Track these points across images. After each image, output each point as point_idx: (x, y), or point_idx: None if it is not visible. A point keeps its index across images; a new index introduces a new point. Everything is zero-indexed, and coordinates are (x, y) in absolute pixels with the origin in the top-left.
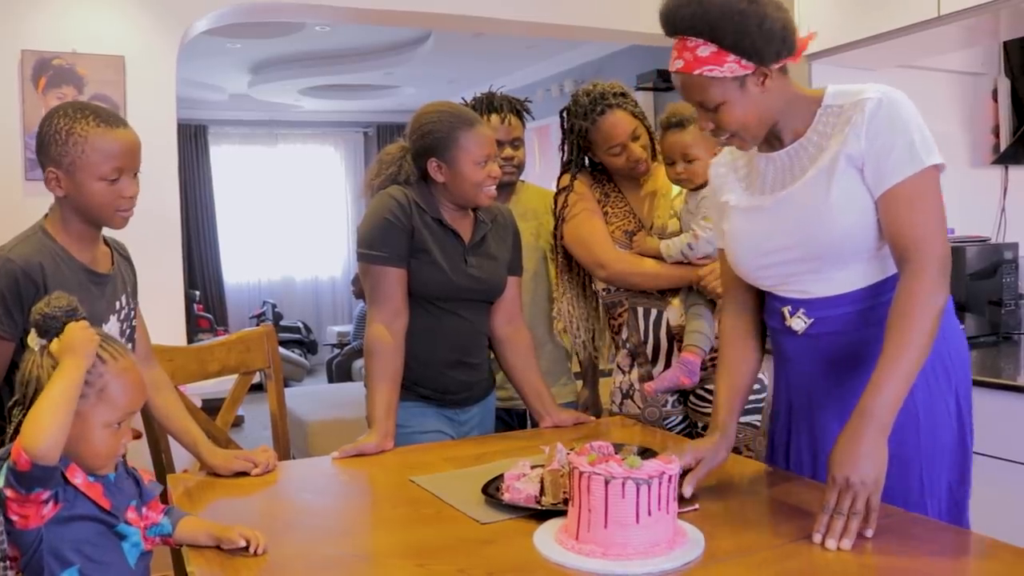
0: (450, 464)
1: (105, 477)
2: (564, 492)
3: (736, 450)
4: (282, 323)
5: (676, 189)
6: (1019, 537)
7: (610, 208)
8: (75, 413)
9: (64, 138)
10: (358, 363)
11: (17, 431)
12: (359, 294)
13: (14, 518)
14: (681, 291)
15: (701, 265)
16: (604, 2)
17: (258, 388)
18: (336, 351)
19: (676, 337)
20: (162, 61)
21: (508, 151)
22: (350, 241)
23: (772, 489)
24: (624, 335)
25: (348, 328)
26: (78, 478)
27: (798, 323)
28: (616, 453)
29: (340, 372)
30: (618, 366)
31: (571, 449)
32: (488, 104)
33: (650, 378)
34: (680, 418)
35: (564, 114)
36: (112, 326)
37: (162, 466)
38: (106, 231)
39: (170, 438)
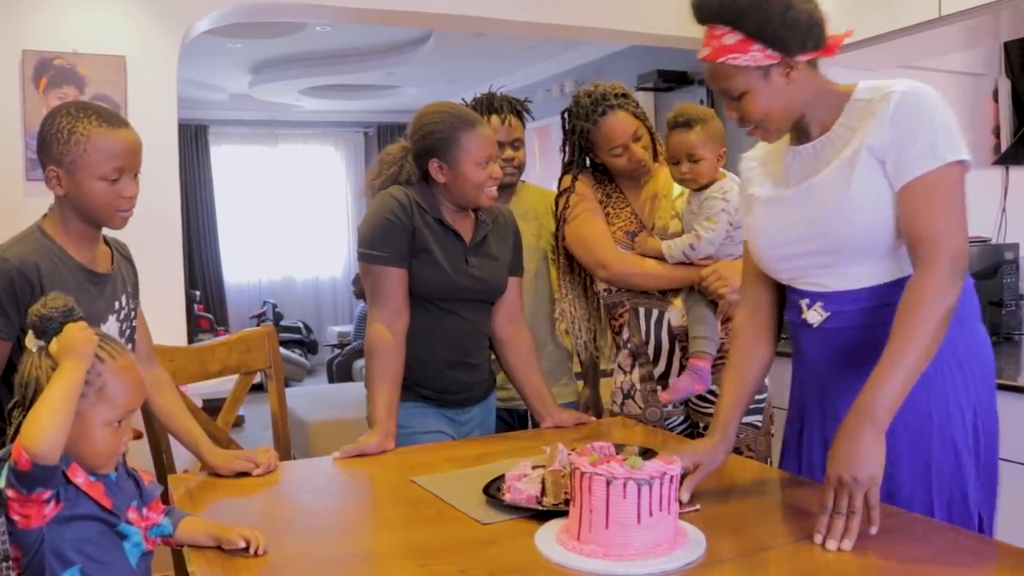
0: (451, 464)
1: (106, 477)
2: (565, 492)
3: (737, 450)
4: (282, 323)
5: (677, 190)
6: (1017, 535)
7: (611, 209)
8: (75, 413)
9: (66, 137)
10: (359, 363)
11: (17, 432)
12: (360, 294)
13: (16, 518)
14: (683, 291)
15: (703, 266)
16: (604, 2)
17: (259, 388)
18: (337, 351)
19: (678, 337)
20: (163, 61)
21: (508, 152)
22: (350, 241)
23: (773, 490)
24: (625, 335)
25: (349, 328)
26: (79, 477)
27: (814, 316)
28: (617, 454)
29: (341, 372)
30: (619, 366)
31: (572, 449)
32: (488, 105)
33: (651, 378)
34: (681, 418)
35: (565, 115)
36: (111, 326)
37: (163, 466)
38: (107, 231)
39: (171, 438)
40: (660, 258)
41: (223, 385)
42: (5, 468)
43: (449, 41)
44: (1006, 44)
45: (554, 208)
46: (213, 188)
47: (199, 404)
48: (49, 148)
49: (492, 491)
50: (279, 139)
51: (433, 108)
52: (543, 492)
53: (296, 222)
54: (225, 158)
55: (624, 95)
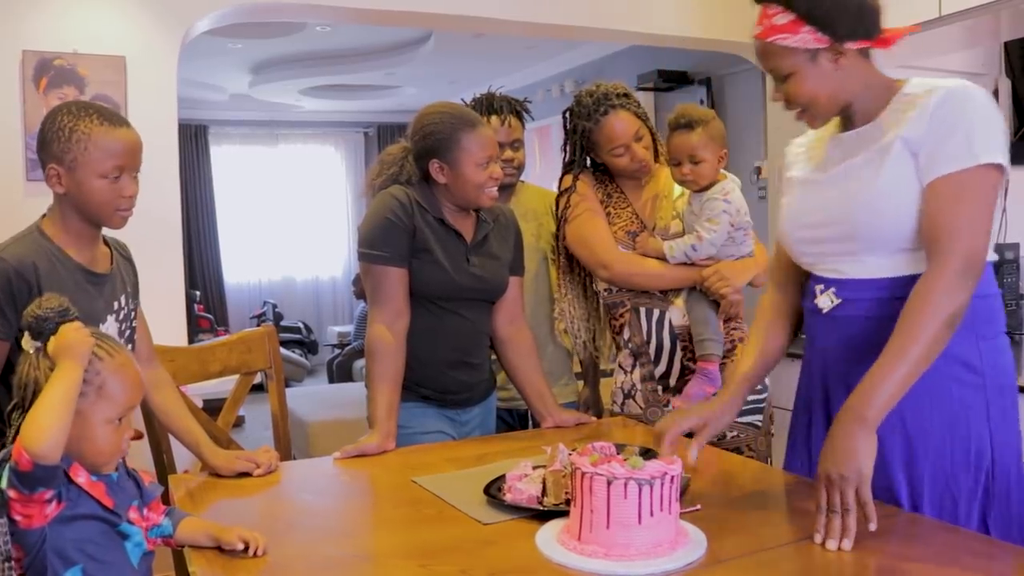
0: (452, 464)
1: (108, 477)
2: (566, 493)
3: (737, 450)
4: (283, 323)
5: (678, 190)
6: None
7: (612, 209)
8: (77, 412)
9: (67, 135)
10: (359, 363)
11: (18, 434)
12: (360, 294)
13: (17, 518)
14: (684, 291)
15: (704, 266)
16: (604, 2)
17: (259, 388)
18: (337, 351)
19: (679, 337)
20: (163, 61)
21: (508, 153)
22: (351, 241)
23: (774, 490)
24: (626, 335)
25: (349, 328)
26: (81, 477)
27: (825, 301)
28: (618, 454)
29: (341, 372)
30: (620, 366)
31: (573, 449)
32: (488, 105)
33: (652, 378)
34: None
35: (567, 115)
36: (110, 326)
37: (163, 466)
38: (107, 231)
39: (172, 439)
40: (661, 258)
41: (223, 385)
42: (6, 469)
43: (449, 41)
44: (1006, 44)
45: (554, 208)
46: (213, 188)
47: (199, 404)
48: (50, 146)
49: (493, 491)
50: (279, 139)
51: (433, 108)
52: (544, 492)
53: (296, 222)
54: (225, 158)
55: (626, 95)
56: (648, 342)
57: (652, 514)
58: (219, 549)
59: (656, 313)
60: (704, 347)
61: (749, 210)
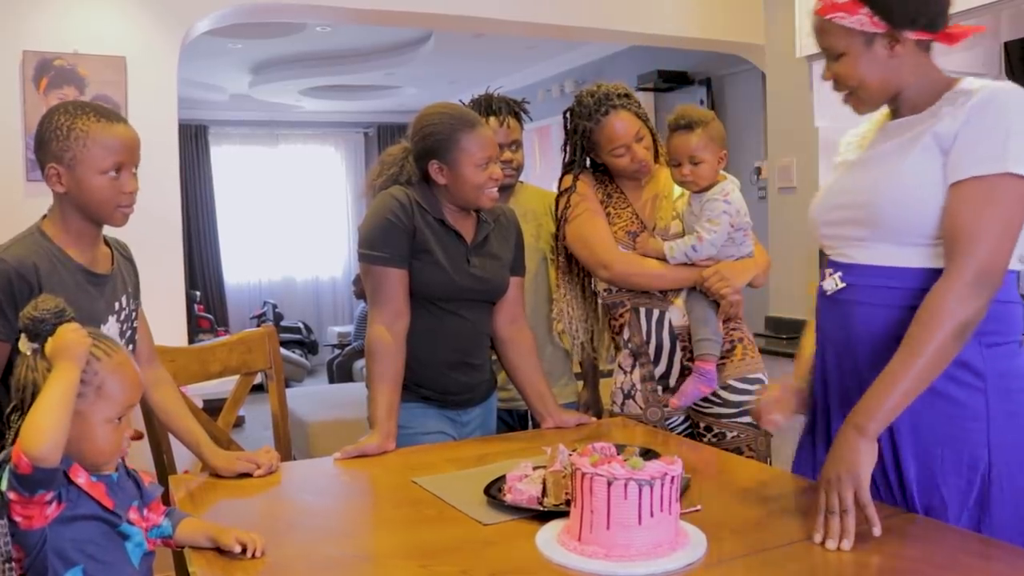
0: (452, 465)
1: (108, 477)
2: (566, 493)
3: (737, 450)
4: (283, 323)
5: (678, 190)
6: None
7: (612, 209)
8: (76, 412)
9: (66, 133)
10: (359, 363)
11: (17, 436)
12: (360, 294)
13: (18, 519)
14: (683, 291)
15: (704, 266)
16: (604, 3)
17: (259, 389)
18: (337, 351)
19: (679, 337)
20: (163, 61)
21: (507, 154)
22: (351, 241)
23: (774, 490)
24: (626, 335)
25: (349, 328)
26: (81, 478)
27: (829, 284)
28: (618, 454)
29: (341, 372)
30: (619, 366)
31: (573, 450)
32: (487, 107)
33: (652, 378)
34: (682, 418)
35: (568, 115)
36: (111, 327)
37: (164, 467)
38: (108, 231)
39: (172, 439)
40: (661, 258)
41: (223, 386)
42: (6, 471)
43: (449, 41)
44: (1006, 44)
45: (554, 208)
46: (213, 188)
47: (199, 405)
48: (48, 146)
49: (493, 492)
50: (279, 139)
51: (433, 109)
52: (544, 493)
53: (296, 222)
54: (225, 158)
55: (627, 95)
56: (648, 342)
57: (652, 515)
58: (219, 550)
59: (656, 313)
60: (702, 347)
61: (749, 211)
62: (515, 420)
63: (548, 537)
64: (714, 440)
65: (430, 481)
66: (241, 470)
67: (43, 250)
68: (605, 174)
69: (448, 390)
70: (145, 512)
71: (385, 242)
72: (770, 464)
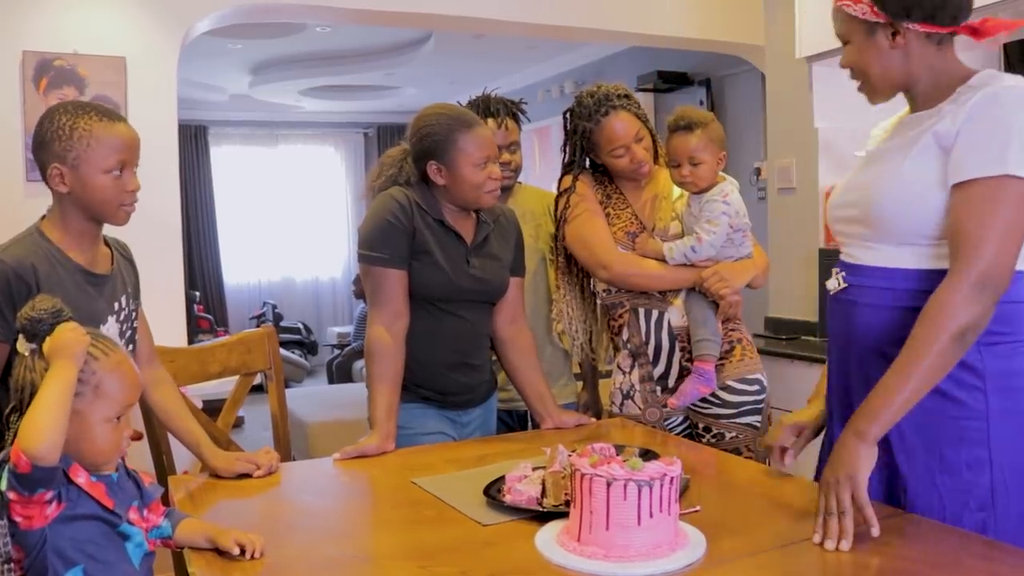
0: (451, 465)
1: (108, 477)
2: (566, 494)
3: (737, 451)
4: (282, 324)
5: (677, 191)
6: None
7: (612, 210)
8: (75, 412)
9: (68, 133)
10: (358, 364)
11: (16, 437)
12: (360, 294)
13: (18, 519)
14: (683, 292)
15: (704, 267)
16: (604, 3)
17: (259, 389)
18: (336, 352)
19: (678, 338)
20: (163, 62)
21: (505, 156)
22: (350, 242)
23: (773, 491)
24: (625, 336)
25: (348, 329)
26: (81, 478)
27: (832, 283)
28: (618, 455)
29: (340, 373)
30: (618, 367)
31: (572, 451)
32: (484, 108)
33: (651, 379)
34: (681, 419)
35: (568, 115)
36: (111, 327)
37: (163, 467)
38: (108, 231)
39: (172, 439)
40: (660, 259)
41: (223, 386)
42: (5, 471)
43: (449, 42)
44: (1006, 45)
45: (553, 208)
46: (213, 189)
47: (199, 405)
48: (51, 146)
49: (492, 492)
50: (279, 140)
51: (430, 110)
52: (543, 493)
53: (296, 223)
54: (225, 159)
55: (627, 96)
56: (647, 343)
57: (651, 515)
58: (218, 551)
59: (655, 314)
60: (701, 347)
61: (748, 212)
62: (515, 421)
63: (547, 538)
64: (713, 441)
65: (429, 482)
66: (241, 471)
67: (42, 251)
68: (604, 175)
69: (448, 391)
70: (145, 512)
71: (384, 243)
72: (768, 465)
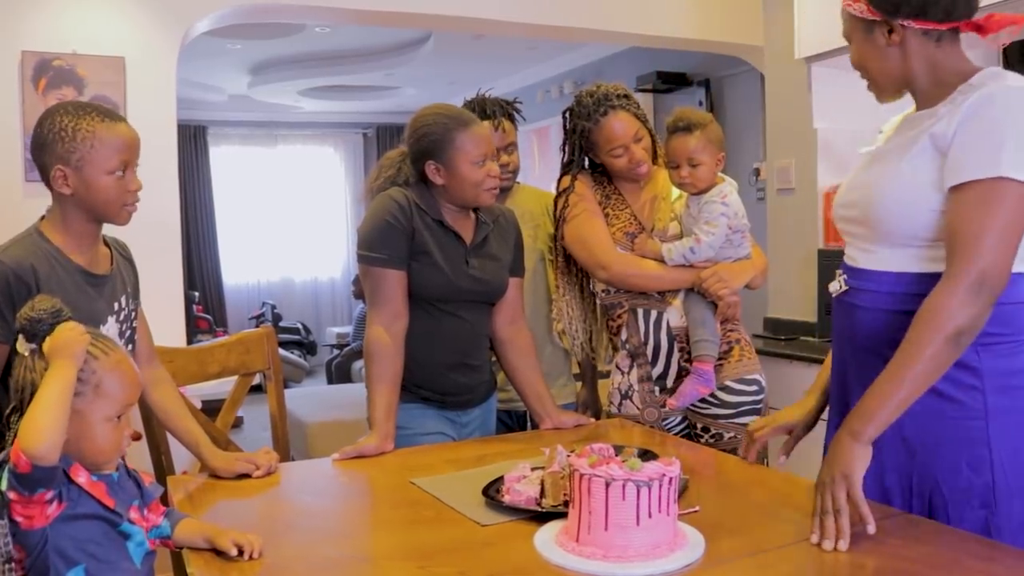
0: (450, 466)
1: (108, 476)
2: (564, 494)
3: (735, 451)
4: (281, 324)
5: (676, 192)
6: None
7: (611, 210)
8: (75, 411)
9: (71, 135)
10: (358, 364)
11: (16, 437)
12: (359, 294)
13: (19, 519)
14: (681, 292)
15: (702, 267)
16: (604, 4)
17: (258, 389)
18: (335, 352)
19: (676, 338)
20: (162, 62)
21: (503, 157)
22: (350, 242)
23: (772, 490)
24: (624, 336)
25: (348, 329)
26: (81, 477)
27: (835, 285)
28: (616, 455)
29: (340, 373)
30: (617, 367)
31: (571, 451)
32: (480, 110)
33: (649, 379)
34: (679, 419)
35: (567, 115)
36: (111, 327)
37: (162, 468)
38: (107, 231)
39: (171, 440)
40: (659, 260)
41: (222, 386)
42: (5, 471)
43: (449, 42)
44: (1004, 47)
45: (552, 208)
46: (212, 189)
47: (198, 405)
48: (53, 148)
49: (491, 493)
50: (278, 140)
51: (427, 111)
52: (542, 494)
53: (295, 223)
54: (224, 159)
55: (626, 96)
56: (646, 343)
57: (650, 516)
58: (216, 551)
59: (654, 314)
60: (699, 347)
61: (747, 212)
62: (514, 421)
63: (546, 538)
64: (711, 441)
65: (428, 482)
66: (240, 471)
67: (41, 251)
68: (604, 175)
69: (447, 391)
70: (145, 512)
71: (384, 243)
72: (767, 465)
